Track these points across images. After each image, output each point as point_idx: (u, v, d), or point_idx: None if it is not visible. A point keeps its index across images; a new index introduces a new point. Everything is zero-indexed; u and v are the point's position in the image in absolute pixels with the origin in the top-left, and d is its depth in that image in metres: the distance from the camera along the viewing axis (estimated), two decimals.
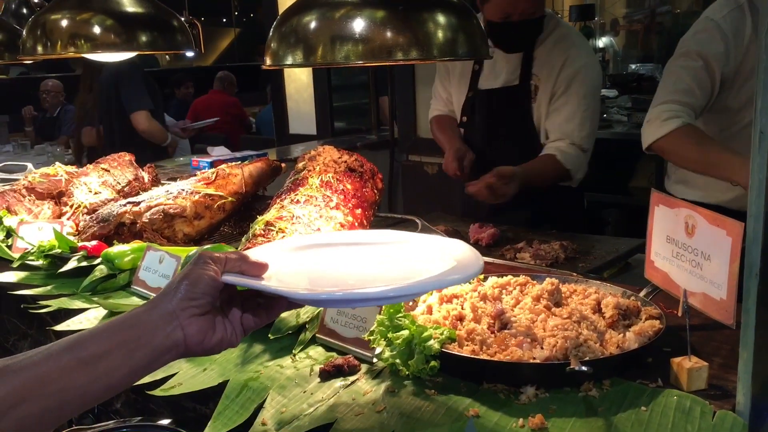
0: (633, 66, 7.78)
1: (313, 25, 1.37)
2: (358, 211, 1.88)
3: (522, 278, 1.56)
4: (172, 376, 1.44)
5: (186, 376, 1.43)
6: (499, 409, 1.19)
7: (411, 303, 1.54)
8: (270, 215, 1.76)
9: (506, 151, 2.86)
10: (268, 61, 1.46)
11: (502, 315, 1.37)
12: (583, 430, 1.12)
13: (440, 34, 1.39)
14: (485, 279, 1.61)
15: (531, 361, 1.24)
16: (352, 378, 1.34)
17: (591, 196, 4.99)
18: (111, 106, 4.87)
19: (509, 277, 1.57)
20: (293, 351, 1.45)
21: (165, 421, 1.49)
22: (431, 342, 1.28)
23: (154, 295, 1.77)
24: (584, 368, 1.14)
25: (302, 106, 6.19)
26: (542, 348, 1.27)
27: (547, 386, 1.23)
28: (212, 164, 4.29)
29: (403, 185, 5.24)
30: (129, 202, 2.09)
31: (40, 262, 2.06)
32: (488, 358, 1.26)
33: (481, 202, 2.62)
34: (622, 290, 1.52)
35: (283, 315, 1.50)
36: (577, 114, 2.70)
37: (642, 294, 1.51)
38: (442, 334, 1.30)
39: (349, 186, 1.91)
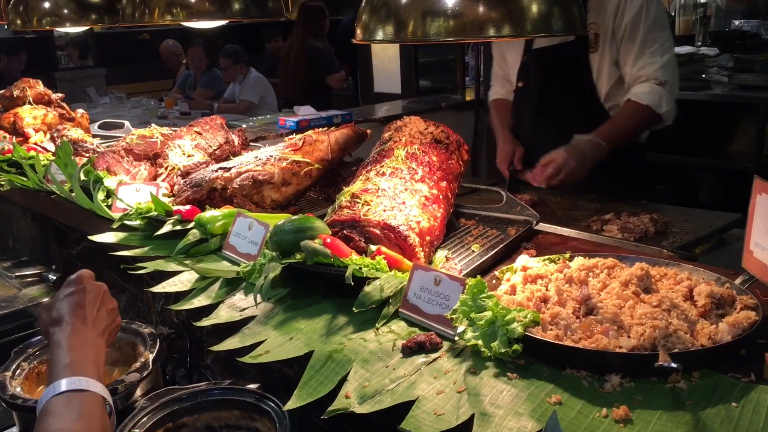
0: (736, 22, 7.30)
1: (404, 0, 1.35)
2: (443, 183, 1.87)
3: (610, 260, 1.52)
4: (261, 343, 1.50)
5: (273, 344, 1.48)
6: (582, 397, 1.18)
7: (494, 282, 1.53)
8: (356, 187, 1.78)
9: (563, 114, 2.82)
10: (359, 35, 1.46)
11: (588, 300, 1.35)
12: (670, 424, 1.10)
13: (534, 8, 1.35)
14: (571, 259, 1.59)
15: (617, 350, 1.22)
16: (434, 355, 1.36)
17: (687, 160, 4.81)
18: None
19: (597, 259, 1.54)
20: (376, 325, 1.48)
21: (253, 386, 1.56)
22: (514, 325, 1.27)
23: (244, 260, 1.83)
24: (674, 365, 1.11)
25: (387, 64, 6.16)
26: (629, 337, 1.24)
27: (633, 375, 1.21)
28: (298, 124, 4.37)
29: (487, 149, 5.17)
30: (220, 168, 2.15)
31: (137, 223, 2.16)
32: (573, 344, 1.25)
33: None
34: (716, 276, 1.46)
35: (367, 289, 1.52)
36: (653, 52, 2.63)
37: (738, 282, 1.44)
38: (525, 317, 1.29)
39: (434, 158, 1.90)
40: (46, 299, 2.34)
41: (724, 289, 1.40)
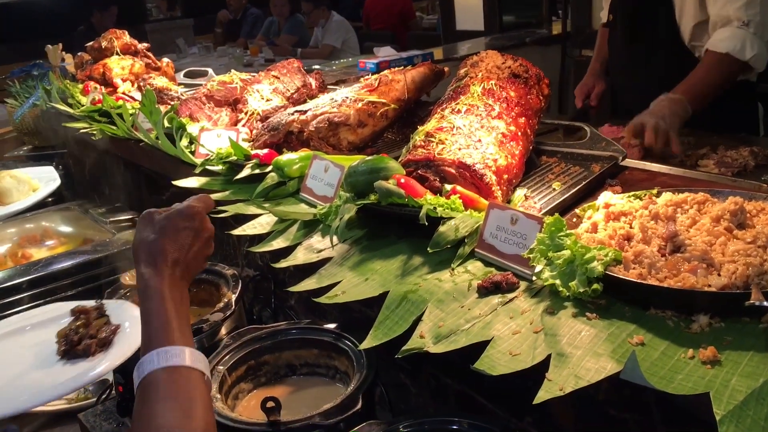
0: None
1: None
2: (522, 120, 1.80)
3: (701, 195, 1.43)
4: (337, 284, 1.51)
5: (349, 285, 1.49)
6: (667, 338, 1.12)
7: (575, 220, 1.47)
8: (430, 125, 1.74)
9: (646, 52, 2.63)
10: None
11: (675, 237, 1.28)
12: (762, 366, 1.03)
13: None
14: (658, 195, 1.50)
15: (706, 288, 1.15)
16: (510, 295, 1.33)
17: None
18: None
19: (686, 194, 1.45)
20: (452, 265, 1.46)
21: (331, 325, 1.58)
22: (594, 264, 1.22)
23: (320, 203, 1.84)
24: (767, 303, 1.04)
25: (469, 0, 5.97)
26: (719, 275, 1.17)
27: (722, 315, 1.14)
28: (378, 66, 4.31)
29: (575, 84, 4.96)
30: (296, 111, 2.15)
31: (219, 168, 2.20)
32: (657, 284, 1.18)
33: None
34: None
35: (442, 229, 1.50)
36: None
37: None
38: (606, 255, 1.23)
39: (512, 93, 1.83)
40: None
41: None
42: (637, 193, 1.54)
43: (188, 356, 1.09)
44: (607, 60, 2.95)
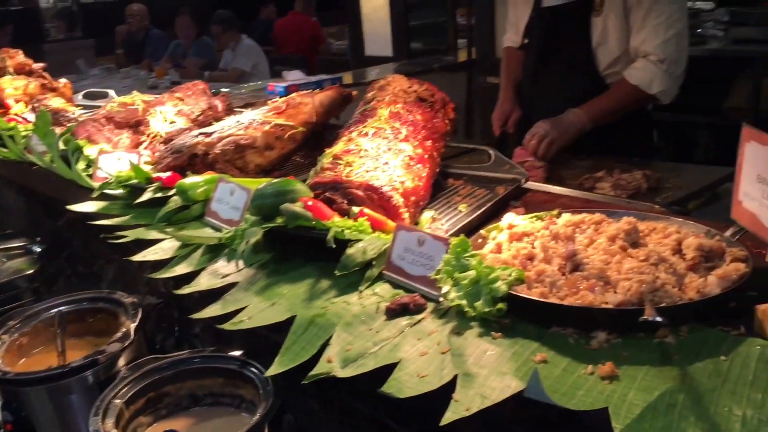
0: None
1: None
2: (428, 143, 1.83)
3: (597, 216, 1.49)
4: (243, 309, 1.47)
5: (255, 310, 1.46)
6: (568, 355, 1.15)
7: (480, 241, 1.50)
8: (337, 148, 1.74)
9: (559, 78, 2.71)
10: None
11: (574, 256, 1.32)
12: (657, 380, 1.07)
13: None
14: (558, 215, 1.55)
15: (603, 306, 1.19)
16: (418, 317, 1.33)
17: (682, 117, 4.75)
18: None
19: (584, 214, 1.50)
20: (359, 288, 1.45)
21: (237, 353, 1.53)
22: (499, 284, 1.24)
23: (226, 226, 1.80)
24: (659, 318, 1.08)
25: (378, 26, 6.07)
26: (616, 292, 1.21)
27: (619, 331, 1.18)
28: (287, 89, 4.28)
29: (481, 110, 5.11)
30: (201, 133, 2.10)
31: (118, 192, 2.12)
32: (558, 302, 1.21)
33: None
34: (706, 229, 1.43)
35: (350, 251, 1.49)
36: (657, 25, 2.45)
37: (728, 234, 1.41)
38: (510, 275, 1.26)
39: (419, 117, 1.86)
40: (30, 271, 2.31)
41: (714, 241, 1.36)
42: (538, 214, 1.58)
43: None
44: (519, 81, 2.98)
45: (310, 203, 1.57)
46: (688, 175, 2.37)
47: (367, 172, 1.65)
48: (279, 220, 1.58)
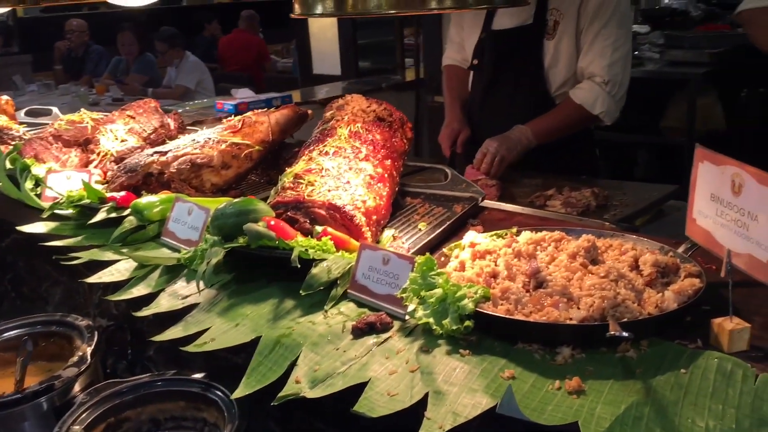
0: (666, 0, 7.49)
1: None
2: (388, 162, 1.84)
3: (557, 234, 1.53)
4: (205, 331, 1.45)
5: (218, 332, 1.44)
6: (535, 370, 1.17)
7: (443, 259, 1.52)
8: (299, 167, 1.74)
9: (510, 98, 2.77)
10: (297, 10, 1.41)
11: (537, 273, 1.35)
12: (622, 393, 1.10)
13: None
14: (519, 234, 1.58)
15: (568, 322, 1.22)
16: (385, 335, 1.33)
17: (620, 137, 4.90)
18: None
19: (544, 232, 1.54)
20: (325, 307, 1.44)
21: (199, 375, 1.51)
22: (465, 301, 1.26)
23: (184, 247, 1.77)
24: (625, 334, 1.11)
25: (326, 45, 6.09)
26: (579, 308, 1.24)
27: (583, 347, 1.21)
28: (236, 107, 4.26)
29: (429, 128, 5.17)
30: (156, 152, 2.07)
31: (69, 212, 2.06)
32: (524, 318, 1.24)
33: None
34: (660, 246, 1.48)
35: (314, 271, 1.49)
36: (603, 48, 2.55)
37: (680, 250, 1.46)
38: (476, 293, 1.28)
39: (378, 136, 1.87)
40: None
41: (668, 257, 1.41)
42: (498, 232, 1.61)
43: None
44: (466, 101, 2.99)
45: (272, 223, 1.56)
46: (634, 192, 2.45)
47: (329, 191, 1.65)
48: (241, 240, 1.57)
